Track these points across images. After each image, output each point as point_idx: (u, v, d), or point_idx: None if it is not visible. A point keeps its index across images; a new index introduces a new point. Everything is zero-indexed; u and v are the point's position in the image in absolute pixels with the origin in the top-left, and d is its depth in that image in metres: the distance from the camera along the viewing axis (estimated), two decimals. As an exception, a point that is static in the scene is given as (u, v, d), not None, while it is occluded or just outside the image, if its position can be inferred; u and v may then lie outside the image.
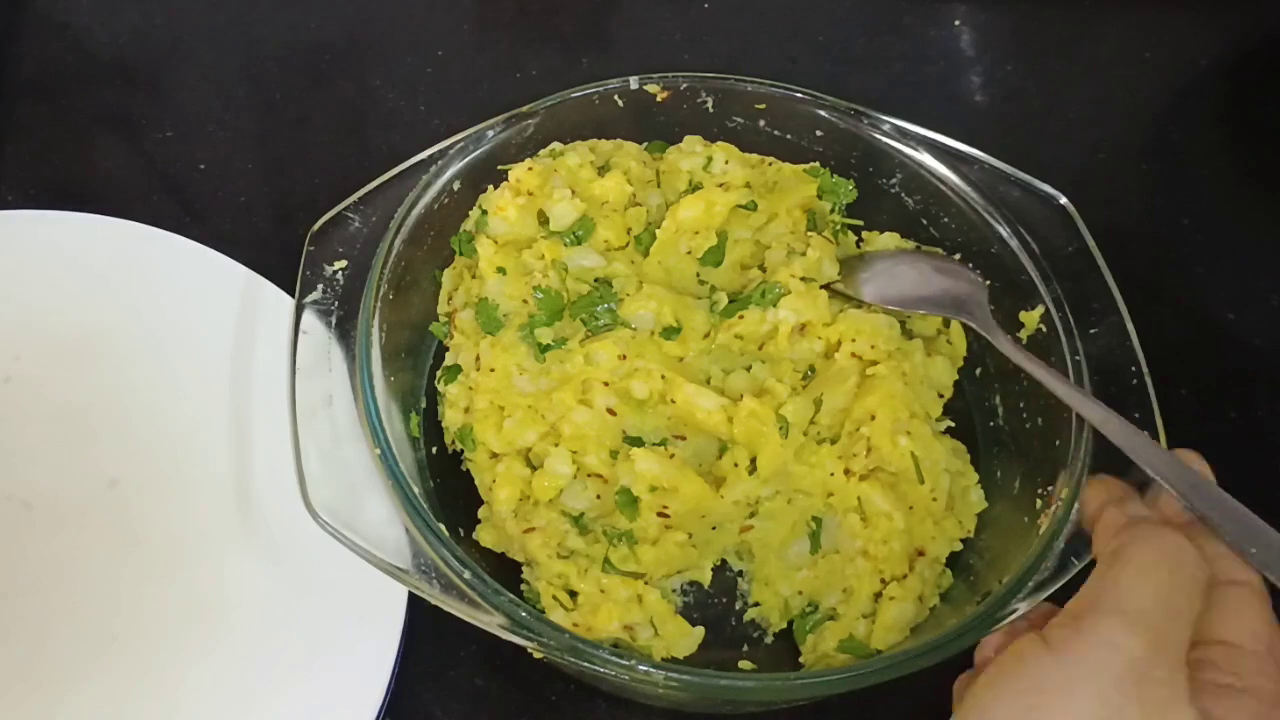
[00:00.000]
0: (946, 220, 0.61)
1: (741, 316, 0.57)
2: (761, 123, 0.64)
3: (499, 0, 0.82)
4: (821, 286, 0.59)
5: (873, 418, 0.55)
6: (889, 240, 0.63)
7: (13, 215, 0.65)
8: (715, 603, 0.57)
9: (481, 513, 0.56)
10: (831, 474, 0.55)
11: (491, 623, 0.48)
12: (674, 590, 0.57)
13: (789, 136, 0.64)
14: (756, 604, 0.57)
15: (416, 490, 0.52)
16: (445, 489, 0.57)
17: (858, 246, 0.63)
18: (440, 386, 0.59)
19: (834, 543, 0.55)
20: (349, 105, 0.75)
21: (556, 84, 0.77)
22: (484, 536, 0.56)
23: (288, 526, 0.56)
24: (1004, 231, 0.59)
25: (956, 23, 0.81)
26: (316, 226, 0.58)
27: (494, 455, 0.56)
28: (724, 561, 0.58)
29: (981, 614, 0.49)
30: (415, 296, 0.60)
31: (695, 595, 0.57)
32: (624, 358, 0.56)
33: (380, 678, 0.53)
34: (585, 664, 0.48)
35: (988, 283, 0.59)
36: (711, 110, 0.64)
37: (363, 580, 0.53)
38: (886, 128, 0.62)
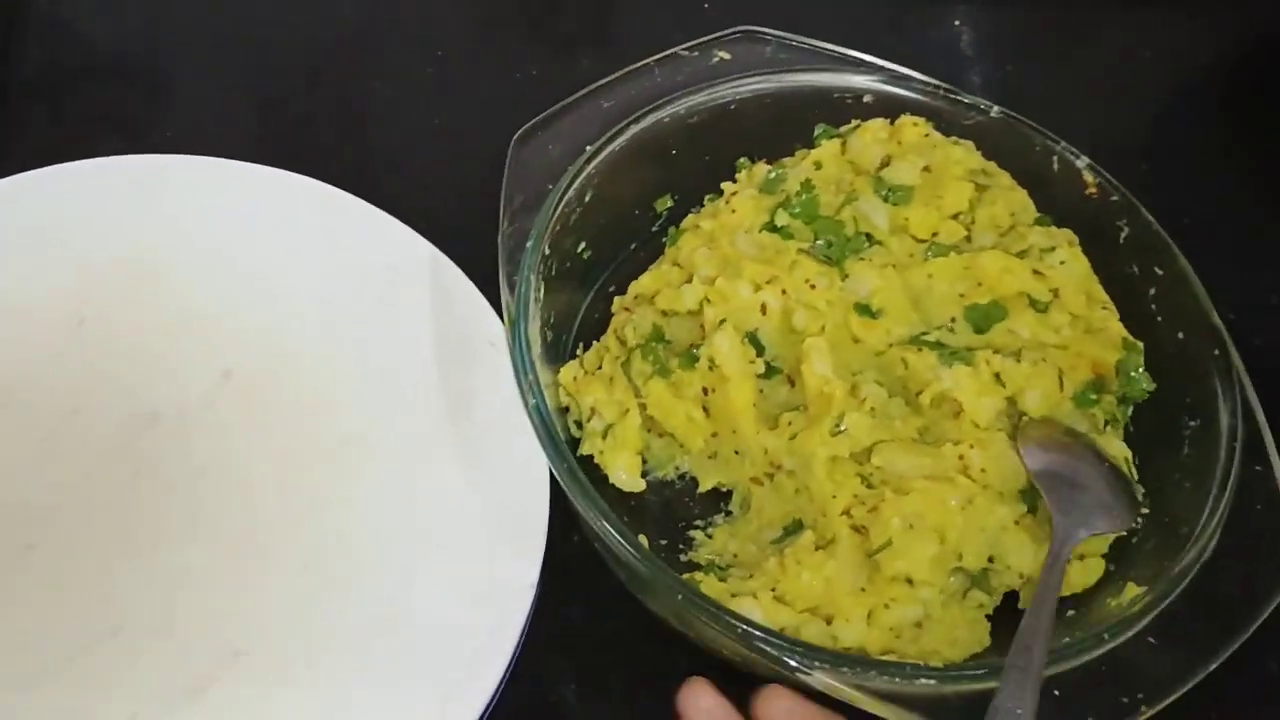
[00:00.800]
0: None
1: (919, 350, 0.57)
2: (1152, 293, 0.60)
3: (499, 0, 0.82)
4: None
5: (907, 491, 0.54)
6: (1116, 449, 0.57)
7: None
8: (688, 504, 0.60)
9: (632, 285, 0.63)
10: (834, 496, 0.55)
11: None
12: (675, 466, 0.60)
13: (1158, 315, 0.60)
14: (710, 538, 0.58)
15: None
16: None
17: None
18: (707, 200, 0.65)
19: (793, 547, 0.55)
20: (349, 105, 0.75)
21: (556, 84, 0.77)
22: (616, 303, 0.63)
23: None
24: None
25: (956, 23, 0.81)
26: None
27: (676, 264, 0.62)
28: (729, 494, 0.60)
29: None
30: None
31: (682, 486, 0.60)
32: (813, 288, 0.58)
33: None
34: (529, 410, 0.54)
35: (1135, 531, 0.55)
36: (1122, 240, 0.62)
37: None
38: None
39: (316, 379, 0.61)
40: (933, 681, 0.48)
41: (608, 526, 0.51)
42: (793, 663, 0.48)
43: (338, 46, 0.78)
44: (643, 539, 0.55)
